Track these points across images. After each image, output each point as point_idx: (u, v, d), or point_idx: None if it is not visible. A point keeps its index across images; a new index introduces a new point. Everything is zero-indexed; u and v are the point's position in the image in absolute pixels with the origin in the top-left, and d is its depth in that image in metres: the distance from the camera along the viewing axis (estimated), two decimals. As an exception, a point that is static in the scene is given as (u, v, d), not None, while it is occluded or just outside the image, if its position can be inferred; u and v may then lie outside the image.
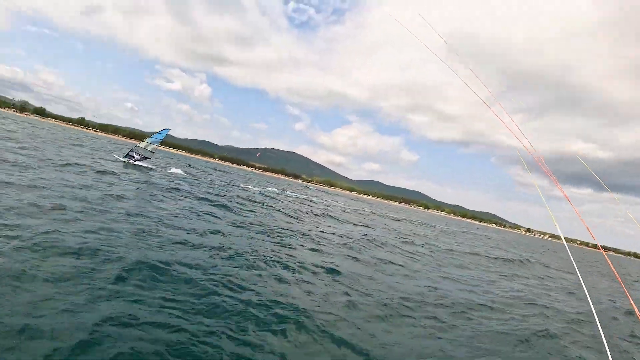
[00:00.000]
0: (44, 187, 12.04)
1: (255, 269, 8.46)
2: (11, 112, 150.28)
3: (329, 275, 9.50)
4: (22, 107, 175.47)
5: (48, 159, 20.49)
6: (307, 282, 8.50)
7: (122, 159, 33.67)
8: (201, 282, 6.68)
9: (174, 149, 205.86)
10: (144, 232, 9.35)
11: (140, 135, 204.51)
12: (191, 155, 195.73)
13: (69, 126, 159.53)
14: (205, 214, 14.72)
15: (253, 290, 6.97)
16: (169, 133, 35.21)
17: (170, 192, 19.21)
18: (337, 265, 10.52)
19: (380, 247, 16.85)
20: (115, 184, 17.42)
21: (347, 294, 8.24)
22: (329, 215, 28.01)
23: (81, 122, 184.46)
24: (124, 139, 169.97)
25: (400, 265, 13.44)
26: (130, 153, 33.76)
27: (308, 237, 14.97)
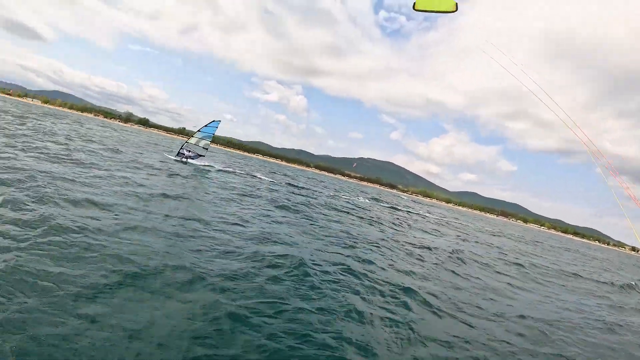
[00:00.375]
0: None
1: (337, 290, 7.06)
2: (117, 122, 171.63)
3: (426, 301, 7.69)
4: (127, 118, 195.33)
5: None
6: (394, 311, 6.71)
7: (174, 158, 30.84)
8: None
9: (271, 157, 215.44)
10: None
11: (237, 144, 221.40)
12: (288, 164, 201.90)
13: (169, 135, 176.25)
14: (286, 222, 13.77)
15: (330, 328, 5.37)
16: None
17: (252, 197, 18.51)
18: (436, 290, 8.93)
19: (483, 266, 14.63)
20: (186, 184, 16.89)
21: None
22: (425, 229, 25.35)
23: (182, 131, 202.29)
24: (222, 147, 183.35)
25: (515, 287, 11.78)
26: (181, 151, 30.72)
27: (402, 251, 13.38)
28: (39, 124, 33.63)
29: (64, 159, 15.74)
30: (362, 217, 21.93)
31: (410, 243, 15.92)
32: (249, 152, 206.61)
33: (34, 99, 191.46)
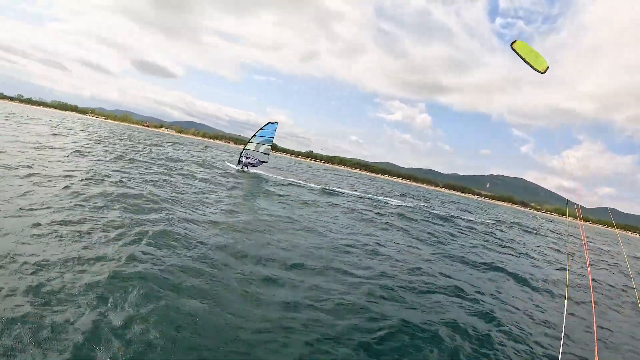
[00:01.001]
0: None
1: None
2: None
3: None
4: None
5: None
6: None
7: (235, 167, 28.65)
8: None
9: (399, 177, 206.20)
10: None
11: (365, 165, 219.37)
12: (416, 184, 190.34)
13: (297, 158, 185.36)
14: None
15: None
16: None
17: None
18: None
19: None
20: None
21: None
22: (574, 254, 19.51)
23: (309, 154, 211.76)
24: (350, 169, 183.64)
25: None
26: (242, 159, 28.25)
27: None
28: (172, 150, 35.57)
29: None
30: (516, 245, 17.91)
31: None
32: (376, 173, 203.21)
33: (169, 129, 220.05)
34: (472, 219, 29.44)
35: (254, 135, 27.83)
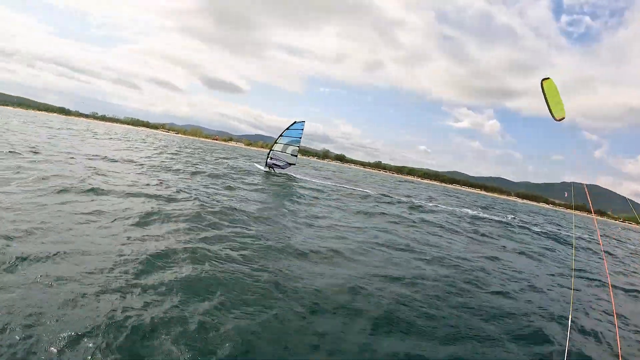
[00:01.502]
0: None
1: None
2: (314, 159, 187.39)
3: None
4: (325, 155, 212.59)
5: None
6: None
7: (264, 169, 27.75)
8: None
9: (469, 187, 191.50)
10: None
11: (434, 175, 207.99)
12: (487, 193, 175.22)
13: (366, 169, 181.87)
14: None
15: None
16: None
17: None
18: None
19: None
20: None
21: None
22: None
23: (378, 165, 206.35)
24: (420, 179, 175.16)
25: None
26: (270, 161, 27.17)
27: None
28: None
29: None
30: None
31: None
32: (446, 183, 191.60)
33: (238, 142, 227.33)
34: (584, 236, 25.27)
35: (280, 135, 26.57)
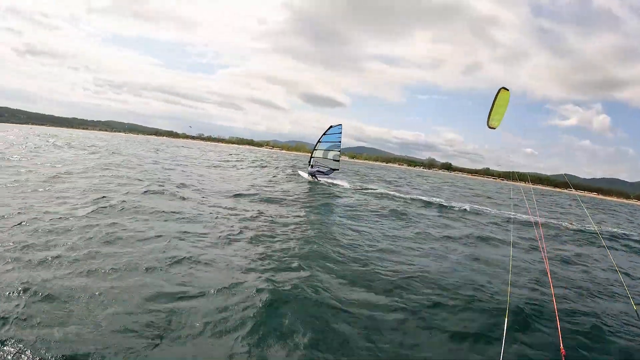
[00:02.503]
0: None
1: None
2: (420, 169, 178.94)
3: None
4: (430, 164, 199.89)
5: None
6: None
7: (308, 178, 27.06)
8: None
9: (580, 190, 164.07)
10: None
11: (545, 179, 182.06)
12: (603, 197, 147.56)
13: (474, 177, 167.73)
14: None
15: None
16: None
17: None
18: None
19: None
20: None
21: None
22: None
23: (486, 171, 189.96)
24: (530, 185, 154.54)
25: None
26: (311, 169, 26.39)
27: None
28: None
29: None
30: None
31: None
32: (560, 187, 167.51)
33: (342, 155, 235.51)
34: None
35: (319, 141, 25.69)
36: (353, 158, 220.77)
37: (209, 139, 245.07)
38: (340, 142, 25.08)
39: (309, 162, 26.64)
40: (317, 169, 26.03)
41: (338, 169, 26.19)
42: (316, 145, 25.80)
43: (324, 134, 25.26)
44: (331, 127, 25.08)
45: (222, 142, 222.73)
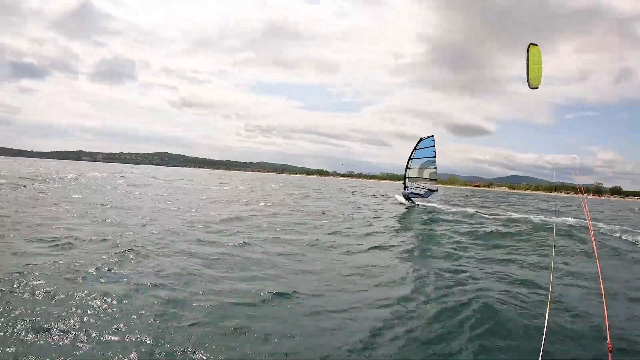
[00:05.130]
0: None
1: None
2: (591, 196, 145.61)
3: None
4: (598, 190, 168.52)
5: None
6: None
7: (405, 201, 24.12)
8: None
9: None
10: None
11: None
12: None
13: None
14: None
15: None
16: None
17: None
18: None
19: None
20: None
21: None
22: None
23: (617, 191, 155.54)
24: None
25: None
26: (405, 192, 23.35)
27: None
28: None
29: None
30: None
31: None
32: None
33: (500, 187, 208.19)
34: None
35: (410, 158, 22.58)
36: (512, 189, 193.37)
37: (360, 176, 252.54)
38: (434, 156, 21.51)
39: (404, 182, 23.60)
40: (411, 190, 22.82)
41: (437, 190, 22.35)
42: (408, 162, 22.77)
43: (415, 148, 22.15)
44: (421, 139, 21.85)
45: (372, 179, 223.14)
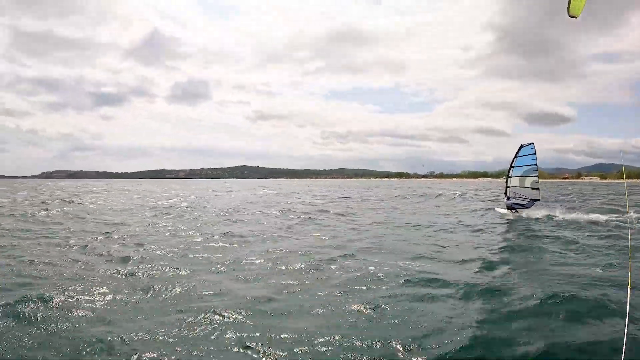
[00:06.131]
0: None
1: None
2: None
3: None
4: None
5: None
6: None
7: (507, 211, 23.88)
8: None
9: None
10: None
11: None
12: None
13: None
14: None
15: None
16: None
17: None
18: None
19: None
20: None
21: None
22: None
23: None
24: None
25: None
26: (508, 202, 23.16)
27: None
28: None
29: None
30: None
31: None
32: None
33: (590, 177, 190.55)
34: None
35: (511, 166, 22.44)
36: (605, 179, 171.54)
37: (441, 175, 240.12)
38: (536, 164, 21.21)
39: (505, 192, 23.48)
40: (514, 200, 22.64)
41: (539, 199, 21.87)
42: (509, 171, 22.66)
43: (516, 156, 22.07)
44: (522, 146, 21.70)
45: (457, 178, 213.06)
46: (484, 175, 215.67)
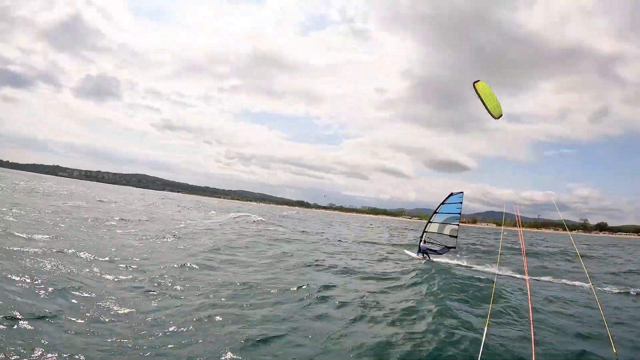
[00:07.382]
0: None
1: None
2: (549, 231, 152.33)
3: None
4: (583, 226, 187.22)
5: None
6: None
7: (416, 255, 22.33)
8: None
9: None
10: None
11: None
12: None
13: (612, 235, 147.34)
14: None
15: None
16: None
17: None
18: None
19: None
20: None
21: None
22: None
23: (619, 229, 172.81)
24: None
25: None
26: (423, 245, 21.68)
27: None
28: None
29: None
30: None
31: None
32: None
33: (489, 223, 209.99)
34: None
35: (435, 212, 21.07)
36: (499, 225, 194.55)
37: (341, 209, 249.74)
38: (460, 213, 20.12)
39: (421, 237, 21.97)
40: (428, 246, 21.21)
41: (455, 247, 20.83)
42: (432, 216, 21.24)
43: (442, 203, 20.68)
44: (452, 194, 20.41)
45: (355, 212, 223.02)
46: (384, 212, 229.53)
